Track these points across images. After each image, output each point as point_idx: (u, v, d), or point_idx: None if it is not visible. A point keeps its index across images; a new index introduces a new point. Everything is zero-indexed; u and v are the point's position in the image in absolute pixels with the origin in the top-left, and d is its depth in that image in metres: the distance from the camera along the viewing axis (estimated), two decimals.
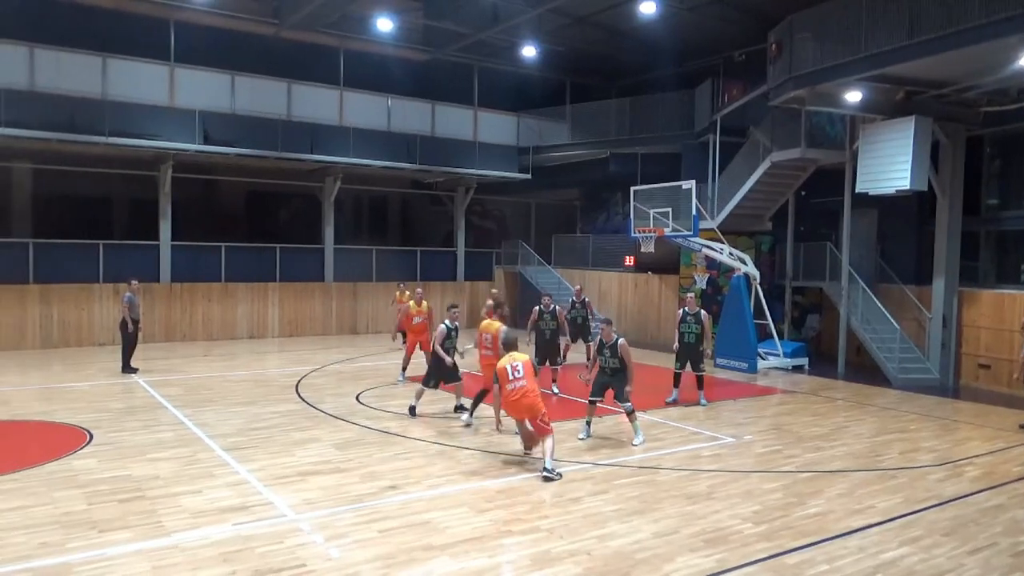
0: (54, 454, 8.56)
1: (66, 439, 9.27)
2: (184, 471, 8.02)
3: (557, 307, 13.35)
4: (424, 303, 13.96)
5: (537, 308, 13.27)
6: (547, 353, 12.98)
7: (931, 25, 11.93)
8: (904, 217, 16.79)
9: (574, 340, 14.38)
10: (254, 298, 20.52)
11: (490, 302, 12.18)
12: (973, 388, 14.77)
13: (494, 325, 10.53)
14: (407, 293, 16.94)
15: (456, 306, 11.55)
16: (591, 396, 9.78)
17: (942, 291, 15.19)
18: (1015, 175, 15.81)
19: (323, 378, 14.27)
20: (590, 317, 15.05)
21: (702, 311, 12.32)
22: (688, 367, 12.26)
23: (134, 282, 14.64)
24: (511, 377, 8.34)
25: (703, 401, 12.21)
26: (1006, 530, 6.85)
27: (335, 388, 13.21)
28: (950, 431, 11.00)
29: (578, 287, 15.70)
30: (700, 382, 12.31)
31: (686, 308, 12.35)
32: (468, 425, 10.30)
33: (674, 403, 12.17)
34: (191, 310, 19.63)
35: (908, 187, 13.96)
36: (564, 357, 13.79)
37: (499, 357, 8.91)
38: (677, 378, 12.37)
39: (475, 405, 10.47)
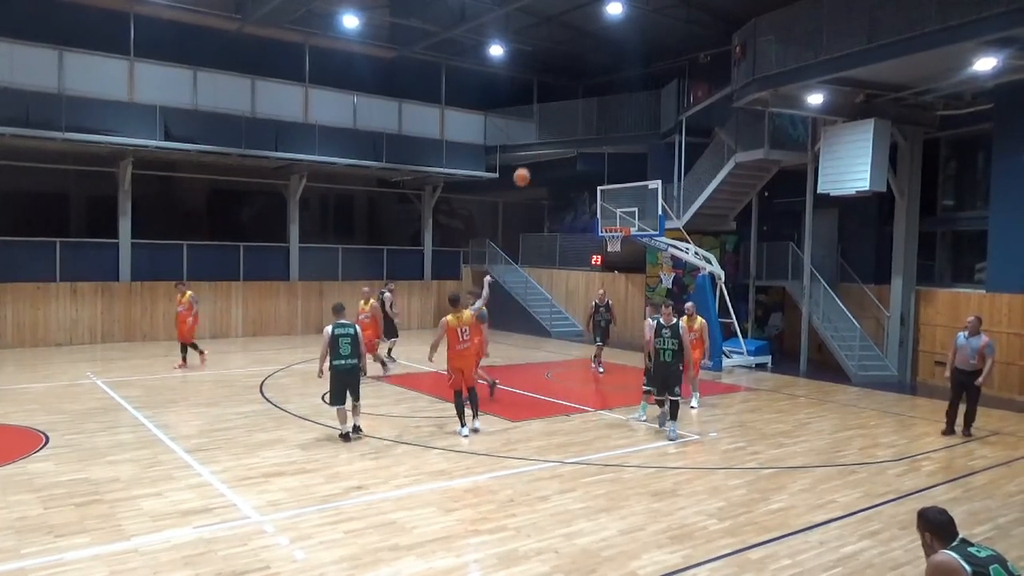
0: (8, 457, 8.32)
1: (21, 442, 9.02)
2: (144, 473, 7.85)
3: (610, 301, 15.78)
4: (188, 294, 15.27)
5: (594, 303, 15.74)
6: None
7: (890, 30, 12.24)
8: (864, 218, 17.14)
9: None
10: (217, 297, 20.18)
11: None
12: (929, 385, 15.12)
13: (465, 315, 9.82)
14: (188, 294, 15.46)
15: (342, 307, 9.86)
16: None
17: (900, 290, 15.53)
18: (970, 177, 16.23)
19: (288, 378, 14.09)
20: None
21: (680, 323, 10.33)
22: (664, 391, 10.12)
23: None
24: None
25: (672, 434, 9.87)
26: (961, 523, 6.94)
27: (300, 388, 13.04)
28: (908, 427, 11.26)
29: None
30: (674, 409, 10.00)
31: (660, 319, 10.19)
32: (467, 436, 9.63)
33: (643, 420, 10.84)
34: (152, 309, 19.24)
35: (867, 188, 14.27)
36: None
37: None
38: (647, 395, 11.01)
39: (463, 410, 9.82)
